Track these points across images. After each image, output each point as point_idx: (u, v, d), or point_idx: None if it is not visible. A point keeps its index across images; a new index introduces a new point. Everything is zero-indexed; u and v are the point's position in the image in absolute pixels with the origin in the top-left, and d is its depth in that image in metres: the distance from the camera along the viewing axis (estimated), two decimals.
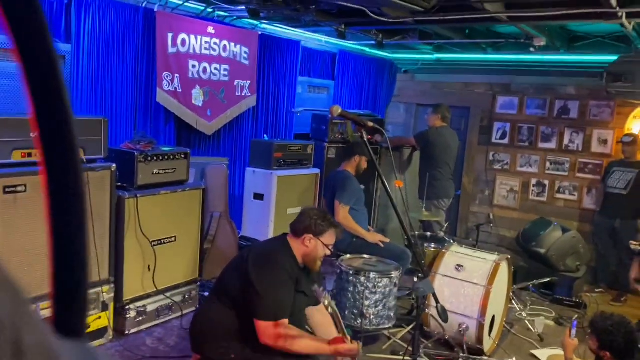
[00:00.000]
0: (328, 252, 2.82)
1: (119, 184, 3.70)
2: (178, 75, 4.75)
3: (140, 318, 3.88)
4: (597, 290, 5.70)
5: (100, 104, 4.32)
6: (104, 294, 3.58)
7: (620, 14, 3.85)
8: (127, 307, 3.79)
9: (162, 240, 3.96)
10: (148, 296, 3.92)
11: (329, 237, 2.79)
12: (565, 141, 6.47)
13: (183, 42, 4.76)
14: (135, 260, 3.80)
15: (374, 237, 4.51)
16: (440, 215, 5.63)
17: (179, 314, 4.15)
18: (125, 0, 4.47)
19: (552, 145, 6.58)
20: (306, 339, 2.64)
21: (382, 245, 4.40)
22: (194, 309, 4.30)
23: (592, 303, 5.15)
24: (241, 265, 2.65)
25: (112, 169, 3.56)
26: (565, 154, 6.49)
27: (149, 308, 3.94)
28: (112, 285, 3.65)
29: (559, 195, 6.56)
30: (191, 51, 4.85)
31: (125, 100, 4.51)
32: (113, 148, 3.84)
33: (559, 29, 5.31)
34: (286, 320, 2.55)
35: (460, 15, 4.34)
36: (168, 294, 4.06)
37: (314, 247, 2.74)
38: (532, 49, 5.27)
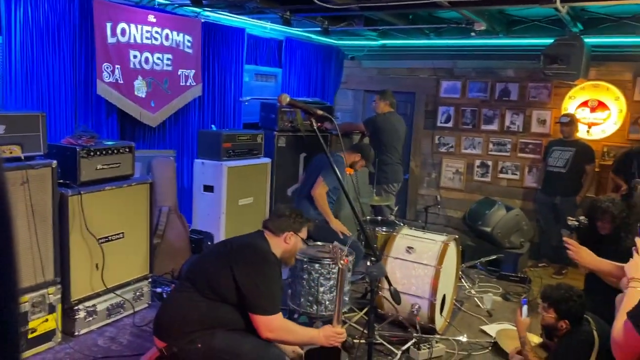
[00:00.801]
0: (304, 246, 2.90)
1: (61, 181, 3.57)
2: (119, 66, 4.60)
3: (90, 318, 3.78)
4: (539, 265, 5.98)
5: (37, 98, 4.13)
6: (50, 295, 3.47)
7: None
8: (76, 307, 3.68)
9: (110, 237, 3.85)
10: (97, 295, 3.82)
11: (305, 232, 2.93)
12: (507, 122, 6.70)
13: (123, 31, 4.60)
14: (82, 259, 3.69)
15: (337, 225, 4.54)
16: (391, 199, 5.73)
17: (131, 311, 4.07)
18: None
19: (494, 127, 6.79)
20: (300, 330, 2.78)
21: (341, 236, 4.42)
22: (145, 305, 4.22)
23: (535, 277, 5.40)
24: (225, 258, 2.66)
25: (53, 166, 3.43)
26: (506, 135, 6.72)
27: (99, 307, 3.84)
28: (59, 286, 3.54)
29: (502, 175, 6.80)
30: (132, 41, 4.70)
31: (63, 94, 4.33)
32: (53, 144, 3.69)
33: (497, 14, 5.45)
34: (281, 313, 2.68)
35: (404, 1, 4.39)
36: (118, 292, 3.97)
37: (294, 244, 2.85)
38: (472, 34, 5.40)
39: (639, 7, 4.64)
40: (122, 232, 3.96)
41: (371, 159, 5.05)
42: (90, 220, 3.66)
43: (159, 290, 4.37)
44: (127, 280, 4.04)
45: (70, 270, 3.60)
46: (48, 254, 3.45)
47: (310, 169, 4.87)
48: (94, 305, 3.80)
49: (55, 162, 3.45)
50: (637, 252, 1.87)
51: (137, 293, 4.15)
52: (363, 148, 4.99)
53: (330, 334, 2.74)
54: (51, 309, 3.49)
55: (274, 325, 2.61)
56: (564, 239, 2.80)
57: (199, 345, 2.57)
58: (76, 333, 3.69)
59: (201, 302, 2.62)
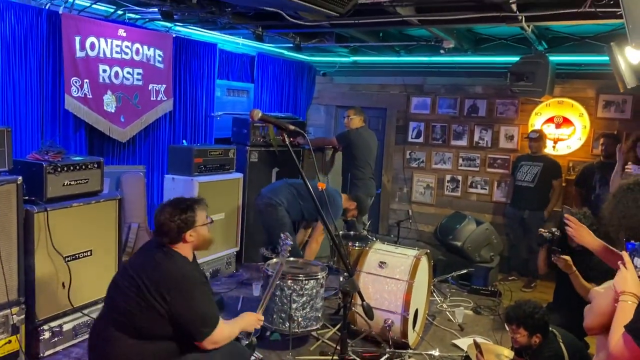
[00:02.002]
0: (210, 222, 2.80)
1: (27, 197, 3.47)
2: (88, 81, 4.53)
3: (56, 338, 3.67)
4: (509, 278, 6.06)
5: (2, 113, 4.03)
6: (14, 315, 3.35)
7: (520, 17, 4.11)
8: (41, 328, 3.56)
9: (77, 255, 3.76)
10: (64, 314, 3.71)
11: (202, 215, 2.73)
12: (476, 138, 6.82)
13: (92, 45, 4.54)
14: (48, 277, 3.58)
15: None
16: (365, 215, 5.75)
17: None
18: (26, 1, 4.20)
19: (463, 142, 6.90)
20: (234, 328, 2.77)
21: None
22: None
23: (505, 290, 5.47)
24: (143, 293, 2.47)
25: (18, 182, 3.34)
26: (475, 150, 6.84)
27: (65, 327, 3.73)
28: (23, 306, 3.42)
29: (471, 190, 6.90)
30: (101, 55, 4.64)
31: (30, 108, 4.23)
32: (18, 160, 3.61)
33: (465, 32, 5.58)
34: (221, 321, 2.64)
35: (374, 18, 4.45)
36: (86, 311, 3.86)
37: (198, 235, 2.69)
38: (442, 51, 5.50)
39: (601, 27, 4.81)
40: (90, 250, 3.87)
41: (364, 213, 5.25)
42: (57, 238, 3.57)
43: None
44: (95, 299, 3.93)
45: (36, 289, 3.49)
46: (12, 272, 3.34)
47: (300, 192, 4.91)
48: (59, 325, 3.68)
49: (20, 178, 3.36)
50: (625, 267, 1.89)
51: None
52: (361, 201, 5.15)
53: (254, 320, 2.92)
54: (14, 330, 3.37)
55: (217, 338, 2.58)
56: (566, 215, 2.79)
57: None
58: (41, 354, 3.57)
59: (139, 346, 2.50)
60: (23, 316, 3.43)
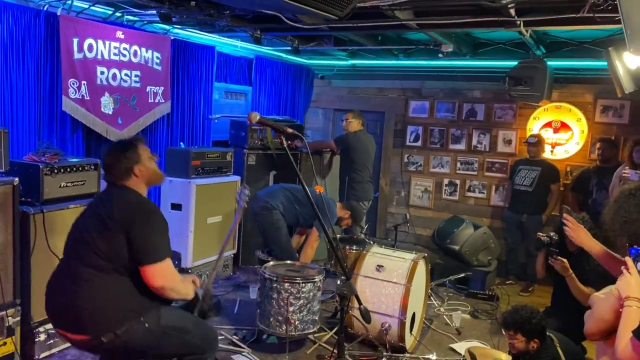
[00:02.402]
0: (155, 158, 2.80)
1: (23, 199, 3.46)
2: (85, 82, 4.52)
3: (52, 341, 3.65)
4: (507, 283, 6.06)
5: None
6: (9, 317, 3.33)
7: (518, 22, 4.12)
8: (36, 330, 3.54)
9: None
10: None
11: (144, 150, 2.75)
12: (474, 142, 6.83)
13: (90, 47, 4.54)
14: (44, 279, 3.52)
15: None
16: (361, 223, 5.74)
17: None
18: (24, 3, 4.19)
19: (461, 146, 6.91)
20: (182, 282, 2.70)
21: None
22: None
23: (503, 295, 5.47)
24: (103, 221, 2.52)
25: (15, 184, 3.33)
26: (474, 155, 6.84)
27: None
28: (19, 308, 3.40)
29: (469, 194, 6.90)
30: (99, 57, 4.63)
31: (27, 109, 4.22)
32: (15, 161, 3.59)
33: (464, 36, 5.59)
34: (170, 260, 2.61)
35: (373, 22, 4.46)
36: None
37: (147, 169, 2.70)
38: (440, 55, 5.50)
39: (599, 33, 4.82)
40: None
41: (358, 222, 5.24)
42: (53, 240, 3.55)
43: None
44: None
45: (32, 291, 3.48)
46: (8, 274, 3.32)
47: (299, 195, 4.89)
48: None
49: (17, 179, 3.34)
50: (628, 271, 1.90)
51: None
52: (355, 209, 5.15)
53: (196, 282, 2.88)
54: (10, 332, 3.35)
55: (165, 272, 2.54)
56: (564, 215, 2.78)
57: (147, 325, 2.53)
58: (36, 357, 3.55)
59: (111, 280, 2.51)
60: (19, 318, 3.41)
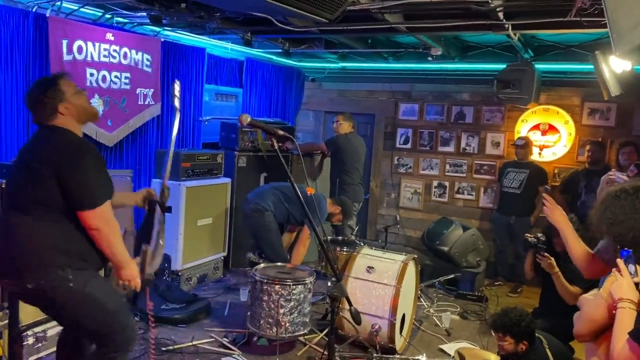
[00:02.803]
0: (83, 92, 2.69)
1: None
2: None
3: (40, 344, 3.61)
4: (496, 284, 6.10)
5: None
6: None
7: (507, 26, 4.17)
8: (24, 333, 3.51)
9: None
10: (48, 320, 3.64)
11: (68, 86, 2.59)
12: (463, 144, 6.87)
13: (79, 49, 4.52)
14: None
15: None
16: (352, 219, 5.76)
17: None
18: (12, 4, 4.17)
19: (450, 148, 6.95)
20: (119, 236, 2.58)
21: None
22: None
23: (492, 296, 5.50)
24: (31, 167, 2.42)
25: (3, 187, 3.30)
26: (462, 157, 6.89)
27: (50, 333, 3.67)
28: (6, 311, 3.37)
29: (458, 196, 6.94)
30: (89, 59, 4.61)
31: (15, 112, 4.19)
32: (3, 164, 3.57)
33: (453, 39, 5.63)
34: (109, 202, 2.51)
35: (363, 25, 4.48)
36: None
37: (74, 106, 2.56)
38: (429, 58, 5.54)
39: (586, 36, 4.88)
40: None
41: (349, 217, 5.25)
42: None
43: None
44: None
45: None
46: None
47: (288, 194, 4.90)
48: (44, 331, 3.63)
49: (4, 182, 3.32)
50: (620, 273, 1.92)
51: None
52: (345, 204, 5.15)
53: (133, 276, 2.65)
54: None
55: (105, 214, 2.46)
56: (543, 194, 2.82)
57: (72, 285, 2.45)
58: None
59: (42, 224, 2.43)
60: (6, 321, 3.37)
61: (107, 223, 2.48)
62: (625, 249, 1.96)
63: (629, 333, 1.78)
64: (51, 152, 2.44)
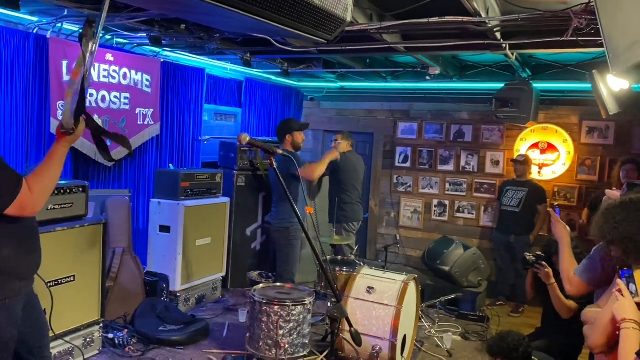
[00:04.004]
0: None
1: None
2: None
3: None
4: (497, 304, 6.04)
5: None
6: None
7: (504, 45, 4.20)
8: None
9: (60, 281, 3.68)
10: None
11: None
12: (462, 163, 6.88)
13: None
14: None
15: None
16: (351, 239, 5.73)
17: (81, 358, 3.86)
18: (13, 26, 4.20)
19: (450, 167, 6.96)
20: (40, 172, 2.40)
21: None
22: (96, 352, 4.03)
23: (494, 316, 5.45)
24: None
25: None
26: (462, 175, 6.89)
27: None
28: None
29: (458, 215, 6.93)
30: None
31: (15, 131, 4.20)
32: None
33: (451, 59, 5.67)
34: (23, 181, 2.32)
35: (361, 45, 4.51)
36: (67, 338, 3.77)
37: None
38: (428, 78, 5.58)
39: (583, 56, 4.91)
40: (73, 275, 3.79)
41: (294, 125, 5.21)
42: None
43: (110, 335, 4.18)
44: (77, 326, 3.85)
45: None
46: None
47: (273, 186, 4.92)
48: None
49: None
50: (622, 294, 1.93)
51: (88, 339, 3.95)
52: (279, 129, 5.18)
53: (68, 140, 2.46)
54: None
55: (28, 198, 2.29)
56: (548, 209, 2.94)
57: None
58: None
59: None
60: None
61: (36, 202, 2.34)
62: (625, 268, 1.96)
63: (636, 353, 1.77)
64: None
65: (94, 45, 2.26)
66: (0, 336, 2.32)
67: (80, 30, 2.22)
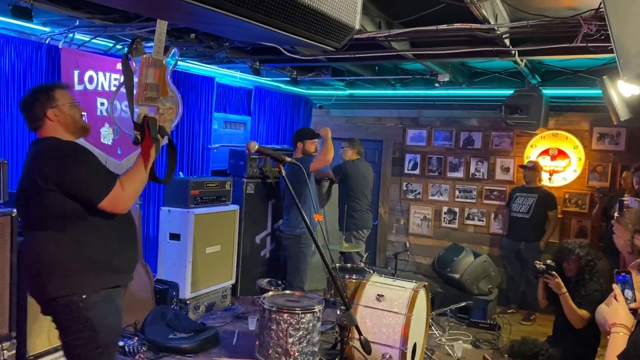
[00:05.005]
0: (80, 108, 2.66)
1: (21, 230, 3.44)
2: (85, 113, 4.54)
3: None
4: (508, 311, 6.00)
5: None
6: (4, 351, 3.29)
7: (513, 52, 4.19)
8: None
9: None
10: (55, 350, 3.62)
11: (63, 95, 2.57)
12: (472, 170, 6.85)
13: (90, 79, 4.59)
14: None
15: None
16: (360, 246, 5.72)
17: None
18: (26, 36, 4.26)
19: (459, 174, 6.93)
20: (131, 174, 2.55)
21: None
22: None
23: (505, 324, 5.40)
24: (35, 182, 2.39)
25: (13, 215, 3.32)
26: (472, 182, 6.85)
27: None
28: (14, 341, 3.35)
29: (468, 222, 6.89)
30: (99, 88, 4.68)
31: (27, 141, 4.25)
32: (14, 192, 3.58)
33: (460, 66, 5.66)
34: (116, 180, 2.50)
35: (370, 53, 4.52)
36: None
37: (63, 114, 2.53)
38: (436, 85, 5.57)
39: (593, 62, 4.89)
40: None
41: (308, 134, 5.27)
42: None
43: (121, 343, 4.19)
44: None
45: (28, 323, 3.43)
46: (4, 307, 3.29)
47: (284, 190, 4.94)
48: None
49: (15, 210, 3.34)
50: (616, 299, 1.96)
51: None
52: (294, 137, 5.25)
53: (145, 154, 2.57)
54: None
55: (120, 196, 2.45)
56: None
57: (81, 304, 2.46)
58: None
59: (62, 236, 2.43)
60: (14, 351, 3.36)
61: (127, 201, 2.50)
62: (622, 274, 1.99)
63: (618, 356, 1.83)
64: (45, 164, 2.40)
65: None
66: (107, 323, 2.51)
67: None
